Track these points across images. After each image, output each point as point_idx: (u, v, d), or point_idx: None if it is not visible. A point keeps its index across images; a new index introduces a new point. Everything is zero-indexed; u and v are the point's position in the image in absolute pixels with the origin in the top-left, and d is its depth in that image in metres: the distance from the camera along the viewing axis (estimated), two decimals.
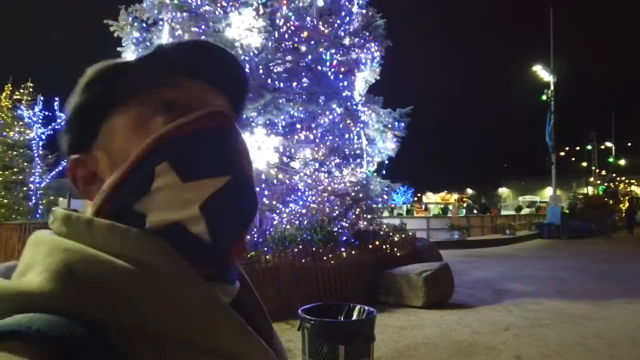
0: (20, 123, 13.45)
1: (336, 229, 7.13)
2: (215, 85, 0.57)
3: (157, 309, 0.44)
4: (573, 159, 50.55)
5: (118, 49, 7.94)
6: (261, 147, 7.14)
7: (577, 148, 48.76)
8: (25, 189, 12.96)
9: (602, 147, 45.43)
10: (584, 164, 45.93)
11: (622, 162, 50.20)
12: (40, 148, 13.23)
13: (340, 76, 8.02)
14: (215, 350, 0.47)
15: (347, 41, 8.07)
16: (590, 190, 37.84)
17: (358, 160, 8.28)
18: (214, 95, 0.56)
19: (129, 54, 7.84)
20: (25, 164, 13.21)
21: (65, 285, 0.42)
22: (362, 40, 8.23)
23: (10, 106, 13.70)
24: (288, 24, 7.52)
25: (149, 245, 0.46)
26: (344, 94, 7.94)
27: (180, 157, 0.49)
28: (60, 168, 13.43)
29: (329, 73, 7.89)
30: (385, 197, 8.94)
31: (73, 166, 0.56)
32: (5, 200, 12.52)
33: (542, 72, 25.98)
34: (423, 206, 31.50)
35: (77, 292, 0.42)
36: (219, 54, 0.57)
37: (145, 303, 0.44)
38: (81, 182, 0.55)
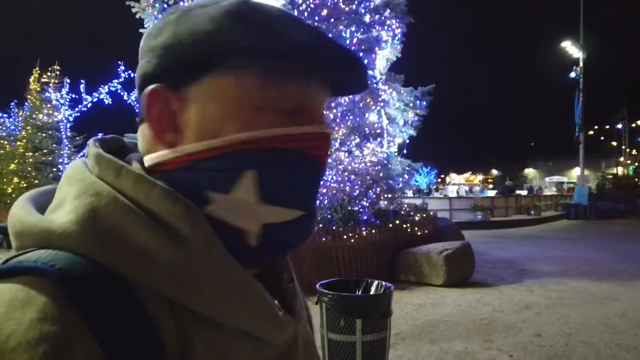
0: (49, 105, 13.79)
1: (356, 208, 7.15)
2: (329, 80, 0.52)
3: (177, 277, 0.43)
4: (602, 138, 49.18)
5: (140, 30, 8.02)
6: None
7: (607, 127, 47.41)
8: (54, 169, 13.35)
9: (633, 125, 44.04)
10: (614, 143, 44.67)
11: None
12: (68, 130, 13.54)
13: (361, 54, 7.93)
14: (237, 328, 0.47)
15: (367, 19, 7.94)
16: (619, 170, 36.83)
17: (378, 140, 8.24)
18: (324, 94, 0.53)
19: None
20: (54, 145, 13.58)
21: (87, 231, 0.42)
22: (383, 18, 8.09)
23: (38, 89, 14.03)
24: (307, 2, 7.45)
25: (179, 208, 0.44)
26: None
27: (268, 174, 0.47)
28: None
29: None
30: (407, 176, 8.90)
31: (153, 96, 0.48)
32: (36, 181, 12.92)
33: (571, 48, 25.15)
34: (446, 188, 31.27)
35: (97, 239, 0.42)
36: (338, 47, 0.50)
37: (166, 269, 0.42)
38: (155, 120, 0.49)
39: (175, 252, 0.43)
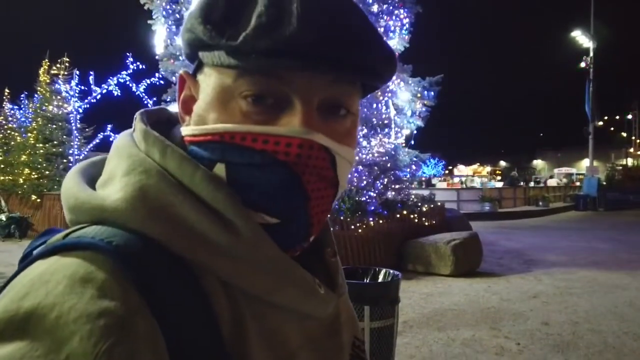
0: (58, 97, 13.87)
1: (364, 198, 7.18)
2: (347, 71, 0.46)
3: (228, 259, 0.45)
4: (612, 128, 48.63)
5: (149, 21, 8.05)
6: None
7: (617, 117, 46.85)
8: (65, 160, 13.47)
9: None
10: (624, 134, 44.22)
11: None
12: (78, 121, 13.64)
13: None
14: (280, 304, 0.49)
15: (375, 8, 7.91)
16: (629, 161, 36.51)
17: (386, 131, 8.23)
18: (321, 90, 0.46)
19: (159, 27, 7.94)
20: (65, 136, 13.68)
21: (138, 208, 0.43)
22: (391, 7, 8.05)
23: (48, 81, 14.12)
24: None
25: (221, 194, 0.45)
26: None
27: (235, 170, 0.46)
28: (97, 141, 13.87)
29: None
30: (414, 167, 8.90)
31: (180, 80, 0.53)
32: (47, 172, 13.06)
33: (581, 38, 24.86)
34: (454, 179, 31.09)
35: (148, 217, 0.43)
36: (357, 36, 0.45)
37: (217, 250, 0.44)
38: (182, 102, 0.52)
39: (225, 237, 0.44)
